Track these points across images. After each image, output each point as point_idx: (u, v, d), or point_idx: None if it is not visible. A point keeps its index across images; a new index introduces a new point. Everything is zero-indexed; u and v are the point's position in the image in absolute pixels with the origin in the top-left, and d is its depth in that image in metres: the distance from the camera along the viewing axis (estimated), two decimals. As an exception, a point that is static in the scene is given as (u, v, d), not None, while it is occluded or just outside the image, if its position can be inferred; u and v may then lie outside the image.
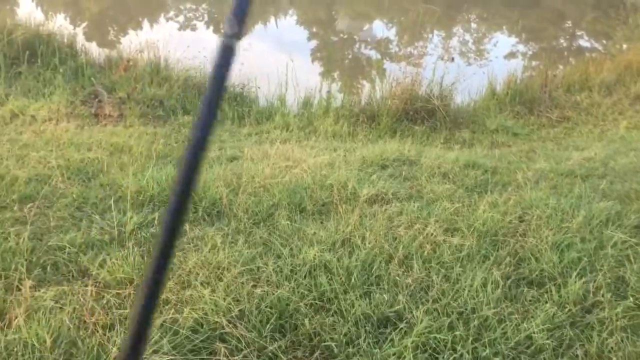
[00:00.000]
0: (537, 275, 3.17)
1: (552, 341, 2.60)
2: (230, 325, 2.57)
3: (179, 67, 8.53)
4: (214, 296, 2.75)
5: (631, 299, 2.91)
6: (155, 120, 6.60)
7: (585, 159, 5.41)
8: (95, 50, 9.78)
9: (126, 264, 3.03)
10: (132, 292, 2.81)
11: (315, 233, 3.54)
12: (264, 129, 6.81)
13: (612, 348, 2.58)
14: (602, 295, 2.95)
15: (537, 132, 7.23)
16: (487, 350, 2.52)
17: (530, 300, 2.93)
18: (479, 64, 12.38)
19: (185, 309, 2.65)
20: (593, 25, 16.69)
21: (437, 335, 2.59)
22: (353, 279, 3.02)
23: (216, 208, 3.86)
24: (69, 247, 3.20)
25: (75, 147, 5.00)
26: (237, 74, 8.55)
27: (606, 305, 2.86)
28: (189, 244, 3.37)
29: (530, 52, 13.88)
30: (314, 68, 11.99)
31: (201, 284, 2.88)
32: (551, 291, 2.99)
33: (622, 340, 2.63)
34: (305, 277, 3.06)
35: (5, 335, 2.40)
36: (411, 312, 2.78)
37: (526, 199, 4.14)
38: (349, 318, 2.72)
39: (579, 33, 16.28)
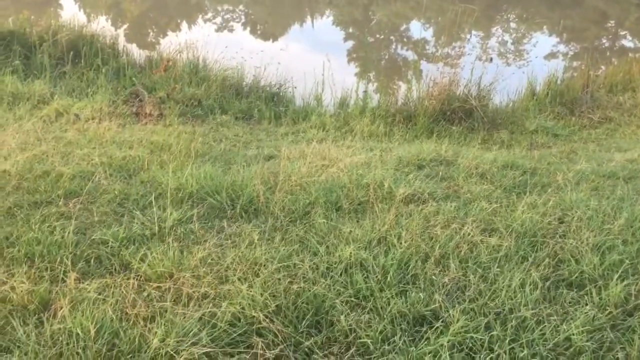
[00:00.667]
0: (577, 277, 3.12)
1: (591, 343, 2.55)
2: (267, 320, 2.60)
3: (217, 67, 8.66)
4: (251, 291, 2.79)
5: (675, 302, 2.83)
6: (194, 119, 6.72)
7: (628, 161, 5.28)
8: (135, 51, 10.01)
9: (166, 258, 3.09)
10: (172, 285, 2.88)
11: (351, 231, 3.55)
12: (300, 128, 6.86)
13: (654, 352, 2.52)
14: (645, 299, 2.88)
15: (578, 133, 7.09)
16: (525, 351, 2.49)
17: (569, 302, 2.89)
18: (518, 64, 12.20)
19: (223, 303, 2.70)
20: (637, 24, 16.27)
21: (474, 335, 2.58)
22: (389, 278, 3.02)
23: (253, 205, 3.91)
24: (112, 242, 3.29)
25: (117, 145, 5.13)
26: (273, 74, 8.65)
27: (649, 309, 2.80)
28: (227, 240, 3.42)
29: (571, 52, 13.62)
30: (350, 68, 12.01)
31: (239, 279, 2.92)
32: (591, 293, 2.94)
33: (665, 345, 2.56)
34: (341, 274, 3.08)
35: (51, 325, 2.48)
36: (447, 311, 2.77)
37: (566, 200, 4.07)
38: (385, 316, 2.73)
39: (622, 33, 15.89)
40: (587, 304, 2.85)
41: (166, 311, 2.63)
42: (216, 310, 2.65)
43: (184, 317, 2.59)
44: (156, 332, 2.44)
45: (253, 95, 8.10)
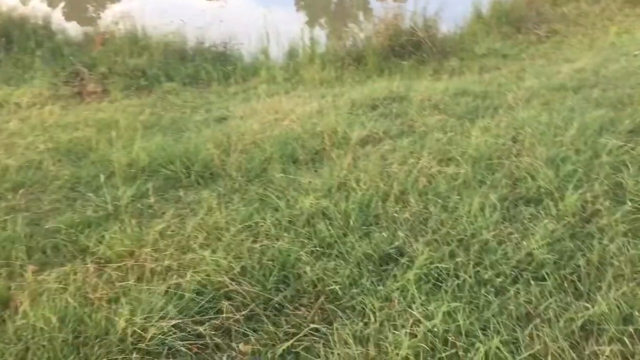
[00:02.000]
0: (534, 193, 3.16)
1: (552, 255, 2.60)
2: (234, 283, 2.58)
3: (157, 34, 8.36)
4: (214, 257, 2.76)
5: (629, 203, 2.90)
6: (140, 91, 6.52)
7: (576, 71, 5.33)
8: (72, 28, 9.57)
9: (125, 236, 3.03)
10: (133, 263, 2.83)
11: (310, 182, 3.52)
12: (250, 85, 6.72)
13: (613, 253, 2.59)
14: (601, 204, 2.94)
15: (526, 50, 7.11)
16: (489, 273, 2.53)
17: (528, 219, 2.93)
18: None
19: (187, 273, 2.66)
20: None
21: (439, 265, 2.60)
22: (351, 222, 3.02)
23: (209, 170, 3.84)
24: (67, 228, 3.21)
25: (62, 128, 4.96)
26: (217, 34, 8.39)
27: (605, 213, 2.86)
28: (186, 209, 3.37)
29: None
30: (298, 17, 11.71)
31: (200, 246, 2.89)
32: (549, 207, 2.99)
33: (623, 245, 2.63)
34: (304, 226, 3.06)
35: (14, 322, 2.42)
36: (411, 245, 2.79)
37: (518, 119, 4.10)
38: (351, 260, 2.73)
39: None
40: (545, 217, 2.90)
41: (130, 290, 2.59)
42: (181, 281, 2.62)
43: (149, 293, 2.55)
44: (122, 313, 2.40)
45: (198, 58, 7.87)
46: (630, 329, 2.15)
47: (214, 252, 2.82)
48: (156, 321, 2.37)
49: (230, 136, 4.31)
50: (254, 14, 9.14)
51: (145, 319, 2.38)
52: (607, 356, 2.04)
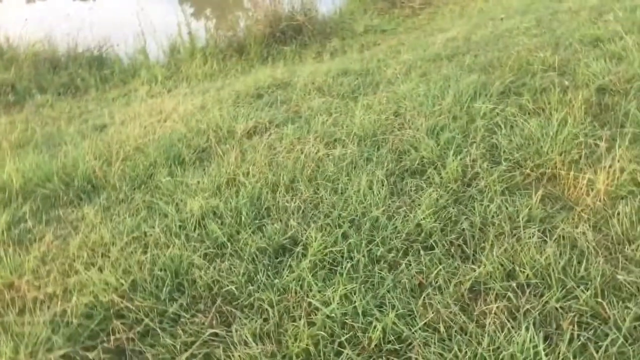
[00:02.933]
0: (418, 164, 3.23)
1: (439, 223, 2.68)
2: (125, 300, 2.47)
3: (24, 44, 7.83)
4: (102, 276, 2.62)
5: (504, 163, 3.03)
6: (9, 107, 6.08)
7: (449, 40, 5.51)
8: None
9: (2, 267, 2.82)
10: (14, 295, 2.63)
11: (198, 182, 3.43)
12: (130, 88, 6.46)
13: (494, 213, 2.70)
14: (479, 167, 3.05)
15: (402, 24, 7.29)
16: (381, 249, 2.57)
17: (414, 190, 3.00)
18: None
19: (73, 297, 2.51)
20: None
21: (333, 249, 2.61)
22: (243, 218, 2.96)
23: (90, 183, 3.65)
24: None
25: None
26: (90, 37, 7.98)
27: (483, 175, 2.97)
28: (67, 228, 3.17)
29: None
30: (176, 11, 11.33)
31: (85, 266, 2.73)
32: (433, 176, 3.07)
33: (502, 203, 2.75)
34: (195, 229, 2.97)
35: None
36: (305, 233, 2.77)
37: (398, 93, 4.18)
38: (245, 257, 2.68)
39: None
40: (430, 187, 2.97)
41: (11, 325, 2.41)
42: (66, 306, 2.46)
43: (32, 325, 2.38)
44: (4, 351, 2.23)
45: (72, 65, 7.47)
46: (514, 284, 2.25)
47: (100, 270, 2.69)
48: (43, 354, 2.22)
49: (111, 145, 4.11)
50: (127, 12, 8.77)
51: (30, 353, 2.23)
52: (494, 314, 2.13)
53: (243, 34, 7.58)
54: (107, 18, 9.23)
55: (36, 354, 2.23)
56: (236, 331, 2.27)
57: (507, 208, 2.70)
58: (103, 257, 2.81)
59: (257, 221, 2.96)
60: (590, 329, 2.04)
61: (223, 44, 7.43)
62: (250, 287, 2.50)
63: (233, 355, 2.15)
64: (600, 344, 1.97)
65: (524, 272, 2.29)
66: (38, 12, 10.84)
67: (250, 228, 2.89)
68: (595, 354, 1.94)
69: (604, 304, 2.09)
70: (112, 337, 2.30)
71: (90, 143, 4.24)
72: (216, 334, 2.29)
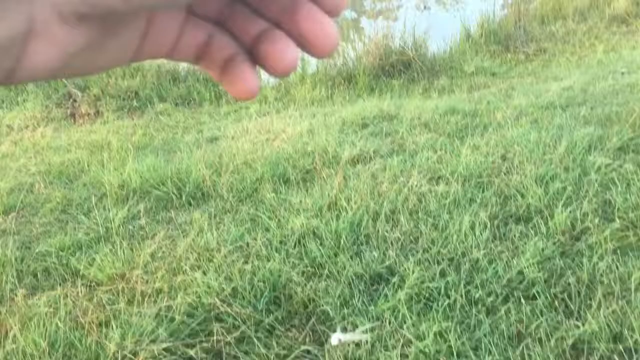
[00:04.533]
0: (524, 211, 3.18)
1: (543, 273, 2.62)
2: (225, 305, 2.58)
3: (150, 55, 8.41)
4: (205, 278, 2.76)
5: (618, 221, 2.92)
6: (132, 112, 6.54)
7: (564, 89, 5.38)
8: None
9: (116, 259, 3.03)
10: (125, 286, 2.82)
11: (301, 201, 3.54)
12: (242, 105, 6.75)
13: (603, 271, 2.60)
14: (590, 222, 2.96)
15: (515, 69, 7.18)
16: (480, 292, 2.54)
17: (518, 237, 2.94)
18: (456, 8, 12.19)
19: (178, 295, 2.66)
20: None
21: (429, 284, 2.61)
22: (342, 241, 3.03)
23: (200, 191, 3.85)
24: (58, 251, 3.20)
25: (54, 150, 4.97)
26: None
27: (594, 231, 2.88)
28: (177, 230, 3.37)
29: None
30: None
31: (191, 268, 2.88)
32: (539, 224, 3.01)
33: (612, 263, 2.64)
34: (295, 246, 3.07)
35: (4, 347, 2.41)
36: (402, 265, 2.79)
37: (507, 137, 4.13)
38: (342, 280, 2.74)
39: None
40: (535, 236, 2.91)
41: (120, 313, 2.59)
42: (172, 303, 2.61)
43: (140, 316, 2.54)
44: (112, 337, 2.39)
45: (190, 78, 7.91)
46: (620, 347, 2.16)
47: (204, 273, 2.83)
48: (147, 345, 2.36)
49: (222, 156, 4.33)
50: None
51: (135, 342, 2.38)
52: (597, 374, 2.05)
53: (353, 63, 7.74)
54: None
55: (141, 343, 2.37)
56: (328, 352, 2.32)
57: (618, 268, 2.59)
58: (207, 262, 2.95)
59: (355, 246, 3.01)
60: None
61: (332, 71, 7.62)
62: (345, 310, 2.54)
63: (324, 374, 2.20)
64: None
65: (632, 336, 2.19)
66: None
67: (348, 252, 2.94)
68: None
69: None
70: (211, 339, 2.41)
71: (202, 153, 4.48)
72: (308, 351, 2.35)
